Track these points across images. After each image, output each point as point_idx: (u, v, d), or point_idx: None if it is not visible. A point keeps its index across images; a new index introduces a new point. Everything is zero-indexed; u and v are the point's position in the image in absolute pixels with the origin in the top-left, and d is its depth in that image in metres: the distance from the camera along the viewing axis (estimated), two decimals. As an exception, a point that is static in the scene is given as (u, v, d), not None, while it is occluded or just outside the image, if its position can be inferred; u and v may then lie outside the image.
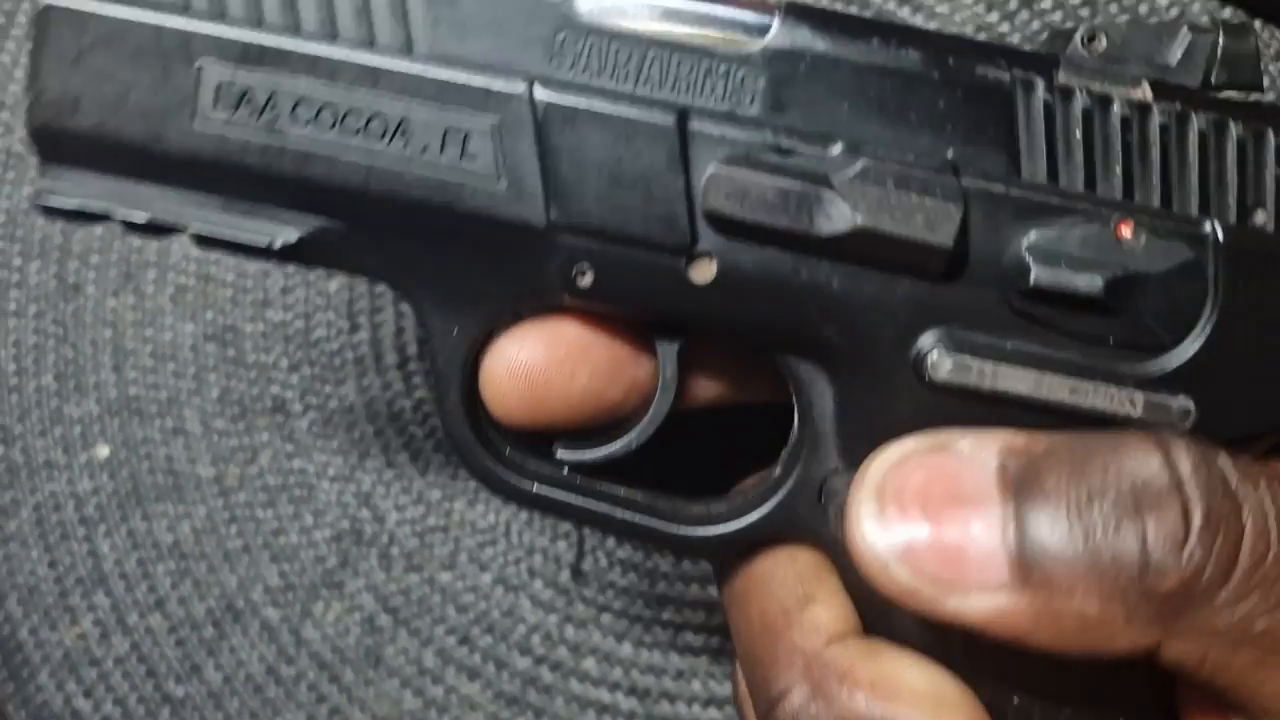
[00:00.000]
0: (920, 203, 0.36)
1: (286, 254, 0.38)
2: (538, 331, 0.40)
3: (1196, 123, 0.37)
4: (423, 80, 0.36)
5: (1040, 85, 0.37)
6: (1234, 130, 0.37)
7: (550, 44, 0.37)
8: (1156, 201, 0.37)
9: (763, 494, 0.41)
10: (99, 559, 0.62)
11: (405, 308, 0.62)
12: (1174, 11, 0.58)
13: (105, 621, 0.62)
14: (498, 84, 0.36)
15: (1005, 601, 0.33)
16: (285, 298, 0.62)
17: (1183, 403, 0.37)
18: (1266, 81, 0.55)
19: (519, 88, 0.36)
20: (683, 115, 0.37)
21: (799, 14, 0.37)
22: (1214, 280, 0.37)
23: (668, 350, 0.41)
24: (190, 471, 0.62)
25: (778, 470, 0.41)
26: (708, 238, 0.37)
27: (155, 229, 0.38)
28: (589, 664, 0.61)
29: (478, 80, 0.36)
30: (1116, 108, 0.37)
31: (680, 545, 0.42)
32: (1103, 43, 0.38)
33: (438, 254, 0.39)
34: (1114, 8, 0.58)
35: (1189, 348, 0.37)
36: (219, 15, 0.36)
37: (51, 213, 0.38)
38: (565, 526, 0.61)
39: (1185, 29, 0.38)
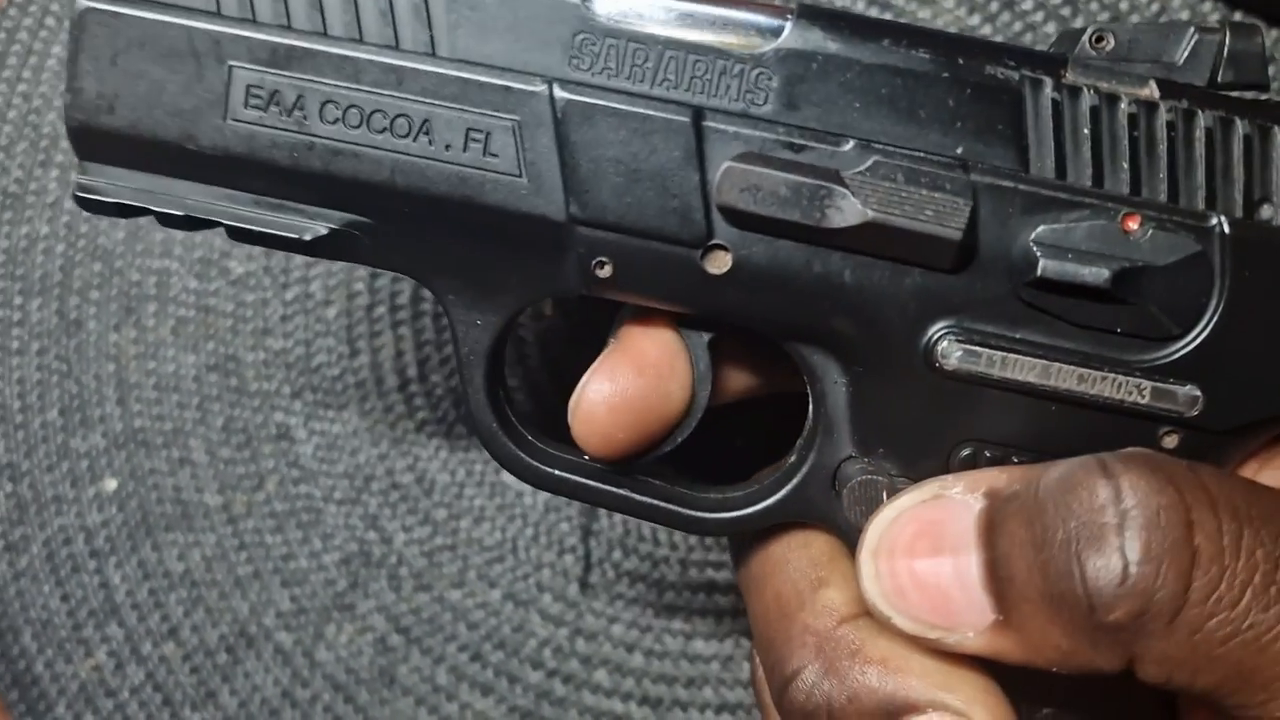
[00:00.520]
0: (930, 197, 0.37)
1: (316, 247, 0.39)
2: (621, 361, 0.41)
3: (1203, 119, 0.38)
4: (446, 80, 0.37)
5: (1048, 84, 0.38)
6: (1240, 126, 0.38)
7: (569, 45, 0.38)
8: (1163, 196, 0.38)
9: (778, 480, 0.42)
10: (111, 590, 0.63)
11: (404, 332, 0.62)
12: (1154, 8, 0.58)
13: (119, 652, 0.63)
14: (518, 84, 0.38)
15: (995, 638, 0.35)
16: (285, 325, 0.63)
17: (1190, 390, 0.38)
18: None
19: (539, 87, 0.37)
20: (698, 114, 0.38)
21: (811, 16, 0.38)
22: (1220, 272, 0.38)
23: (698, 343, 0.42)
24: (198, 500, 0.62)
25: (793, 457, 0.42)
26: (722, 231, 0.38)
27: (191, 223, 0.39)
28: (600, 676, 0.62)
29: (499, 80, 0.37)
30: (1124, 105, 0.38)
31: (698, 529, 0.44)
32: (1110, 43, 0.39)
33: (461, 247, 0.40)
34: (1094, 6, 0.58)
35: (1196, 337, 0.38)
36: (249, 18, 0.38)
37: (91, 206, 0.39)
38: (572, 540, 0.62)
39: (1192, 29, 0.39)
